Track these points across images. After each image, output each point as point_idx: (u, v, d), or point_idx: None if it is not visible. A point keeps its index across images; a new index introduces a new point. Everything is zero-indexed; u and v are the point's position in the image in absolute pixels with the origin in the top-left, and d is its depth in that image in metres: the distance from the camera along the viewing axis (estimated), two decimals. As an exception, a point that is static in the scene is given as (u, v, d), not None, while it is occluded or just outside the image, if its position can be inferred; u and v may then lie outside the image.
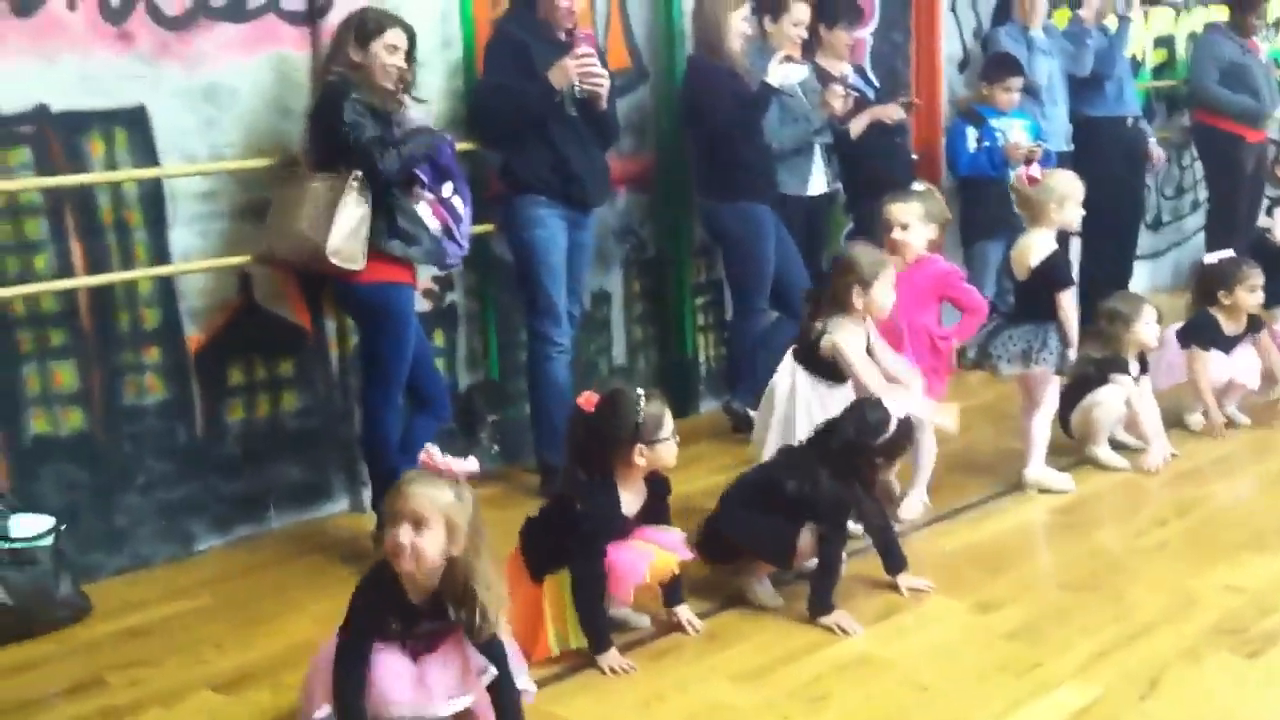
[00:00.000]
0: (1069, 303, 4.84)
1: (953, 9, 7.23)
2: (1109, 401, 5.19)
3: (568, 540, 3.66)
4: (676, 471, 3.88)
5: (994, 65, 6.73)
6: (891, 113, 6.28)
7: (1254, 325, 5.70)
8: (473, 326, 5.41)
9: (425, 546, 2.97)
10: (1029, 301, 4.91)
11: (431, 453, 3.08)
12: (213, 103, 4.59)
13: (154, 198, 4.51)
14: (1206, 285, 5.69)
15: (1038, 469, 4.99)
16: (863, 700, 3.51)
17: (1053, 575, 4.34)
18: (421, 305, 5.02)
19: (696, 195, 5.89)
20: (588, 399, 3.73)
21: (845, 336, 4.35)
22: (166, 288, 4.57)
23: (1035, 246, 4.86)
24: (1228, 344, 5.66)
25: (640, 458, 3.69)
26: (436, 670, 3.13)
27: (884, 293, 4.36)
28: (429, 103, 4.93)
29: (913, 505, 4.80)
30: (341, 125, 4.31)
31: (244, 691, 3.63)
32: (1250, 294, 5.60)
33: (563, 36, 5.05)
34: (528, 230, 5.09)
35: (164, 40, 4.46)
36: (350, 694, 3.03)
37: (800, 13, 5.95)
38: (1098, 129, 7.28)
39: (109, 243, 4.42)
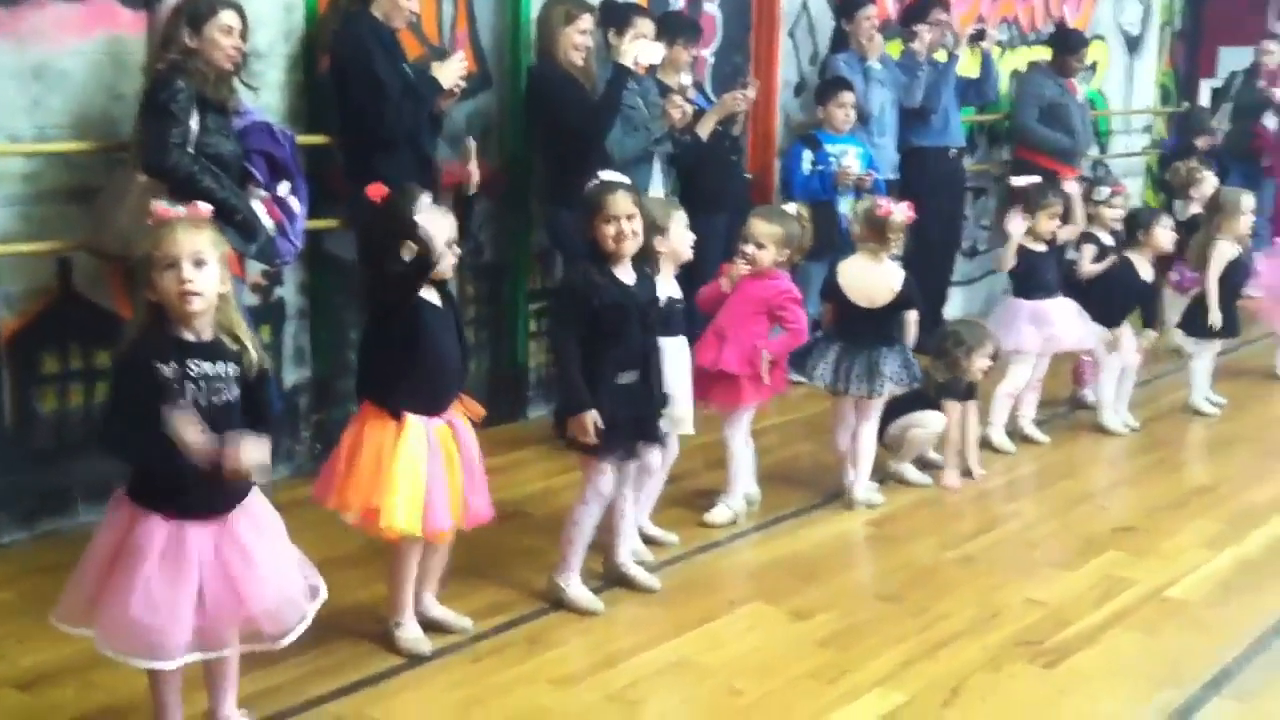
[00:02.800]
0: (915, 323, 5.13)
1: (791, 34, 7.42)
2: (931, 424, 5.38)
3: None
4: (505, 475, 3.90)
5: (827, 86, 6.93)
6: (735, 100, 6.37)
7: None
8: (300, 323, 5.35)
9: (207, 284, 2.95)
10: (879, 325, 5.08)
11: (160, 204, 3.05)
12: (42, 82, 4.47)
13: (-25, 176, 4.36)
14: (1012, 208, 6.05)
15: (865, 488, 5.16)
16: (679, 704, 3.61)
17: (865, 585, 4.49)
18: (249, 299, 4.94)
19: (540, 202, 5.93)
20: (376, 189, 3.65)
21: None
22: (-17, 270, 4.42)
23: (889, 274, 5.05)
24: (1040, 266, 5.96)
25: (407, 253, 3.52)
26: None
27: (681, 234, 4.44)
28: (259, 90, 4.88)
29: (726, 511, 4.90)
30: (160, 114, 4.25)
31: (47, 690, 3.54)
32: (1050, 220, 5.97)
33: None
34: None
35: (-6, 15, 4.32)
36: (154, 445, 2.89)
37: (644, 27, 6.03)
38: (923, 158, 7.55)
39: (-75, 221, 4.27)
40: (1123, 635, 4.04)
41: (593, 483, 4.07)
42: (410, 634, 3.79)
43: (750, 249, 4.78)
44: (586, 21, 5.78)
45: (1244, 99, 9.59)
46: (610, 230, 3.95)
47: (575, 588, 4.15)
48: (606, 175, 4.12)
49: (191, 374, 2.95)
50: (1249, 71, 9.70)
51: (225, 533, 3.04)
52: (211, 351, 2.99)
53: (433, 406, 3.66)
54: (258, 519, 3.13)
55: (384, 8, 5.04)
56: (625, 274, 4.02)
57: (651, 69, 6.19)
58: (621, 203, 3.97)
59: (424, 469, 3.58)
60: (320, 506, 3.71)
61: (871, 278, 5.08)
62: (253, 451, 2.93)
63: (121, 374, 3.04)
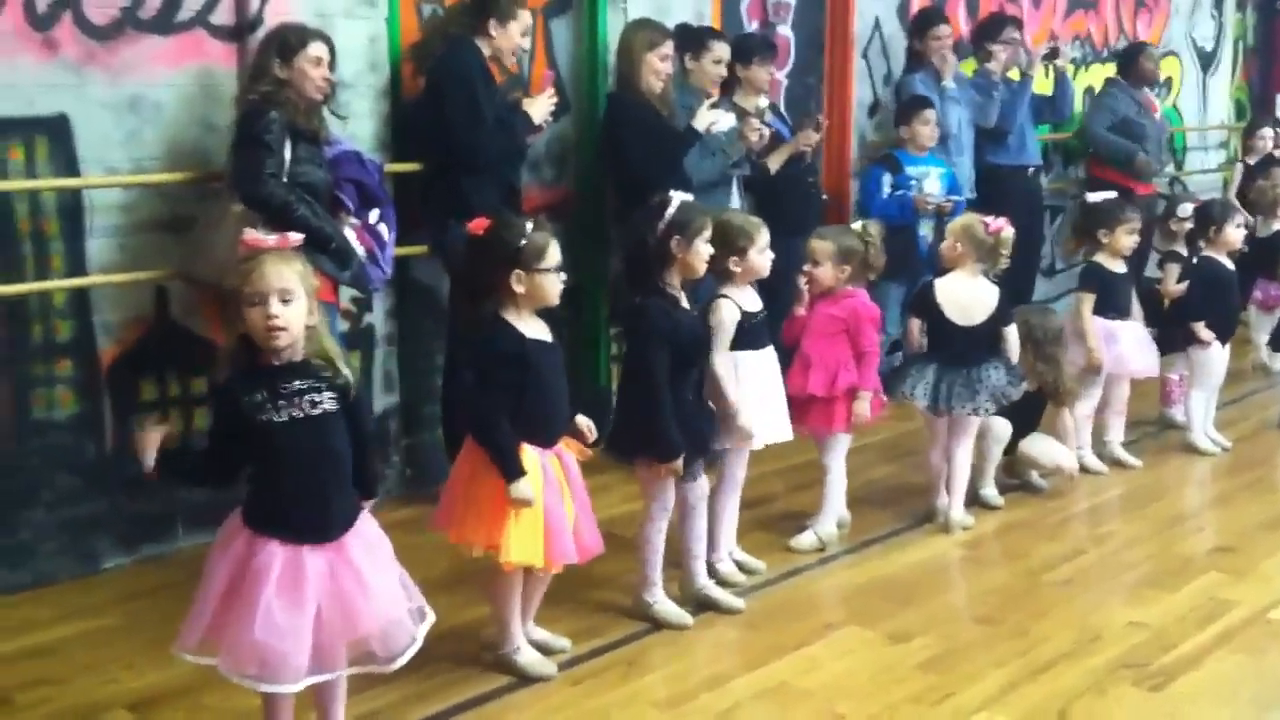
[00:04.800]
0: (1016, 340, 5.08)
1: (864, 55, 7.41)
2: (999, 432, 5.33)
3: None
4: (591, 499, 3.88)
5: (908, 105, 6.90)
6: (807, 139, 6.39)
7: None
8: (389, 349, 5.39)
9: (294, 318, 2.98)
10: (979, 343, 5.04)
11: (251, 233, 3.08)
12: (136, 114, 4.55)
13: (73, 208, 4.44)
14: (1088, 224, 5.93)
15: (961, 508, 5.12)
16: (781, 728, 3.58)
17: (961, 608, 4.44)
18: (339, 326, 4.99)
19: (618, 227, 5.95)
20: (478, 223, 3.67)
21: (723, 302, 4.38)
22: (81, 300, 4.50)
23: (986, 292, 5.06)
24: (1116, 286, 5.83)
25: (519, 284, 3.56)
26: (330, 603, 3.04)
27: (759, 256, 4.35)
28: (348, 119, 4.94)
29: (812, 538, 4.86)
30: (255, 144, 4.32)
31: (159, 712, 3.57)
32: (1129, 236, 5.81)
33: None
34: None
35: (90, 49, 4.41)
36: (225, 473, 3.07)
37: (720, 50, 6.06)
38: (1000, 177, 7.50)
39: (25, 252, 4.36)
40: (1228, 657, 3.97)
41: (655, 498, 4.10)
42: (530, 657, 3.80)
43: (808, 268, 4.77)
44: (668, 48, 5.79)
45: None
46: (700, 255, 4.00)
47: (662, 602, 4.16)
48: (679, 196, 4.09)
49: (283, 393, 2.99)
50: None
51: (339, 556, 3.07)
52: (302, 371, 3.03)
53: (546, 439, 3.67)
54: (369, 541, 3.16)
55: (500, 43, 5.08)
56: (684, 300, 4.06)
57: (728, 92, 6.22)
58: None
59: (541, 501, 3.59)
60: (436, 534, 3.75)
61: (969, 295, 5.06)
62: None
63: (213, 404, 3.09)
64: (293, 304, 2.98)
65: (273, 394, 2.99)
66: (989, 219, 5.14)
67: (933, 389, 5.00)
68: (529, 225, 3.63)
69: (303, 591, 2.98)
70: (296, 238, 3.14)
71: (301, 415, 3.00)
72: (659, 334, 3.97)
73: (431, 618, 3.24)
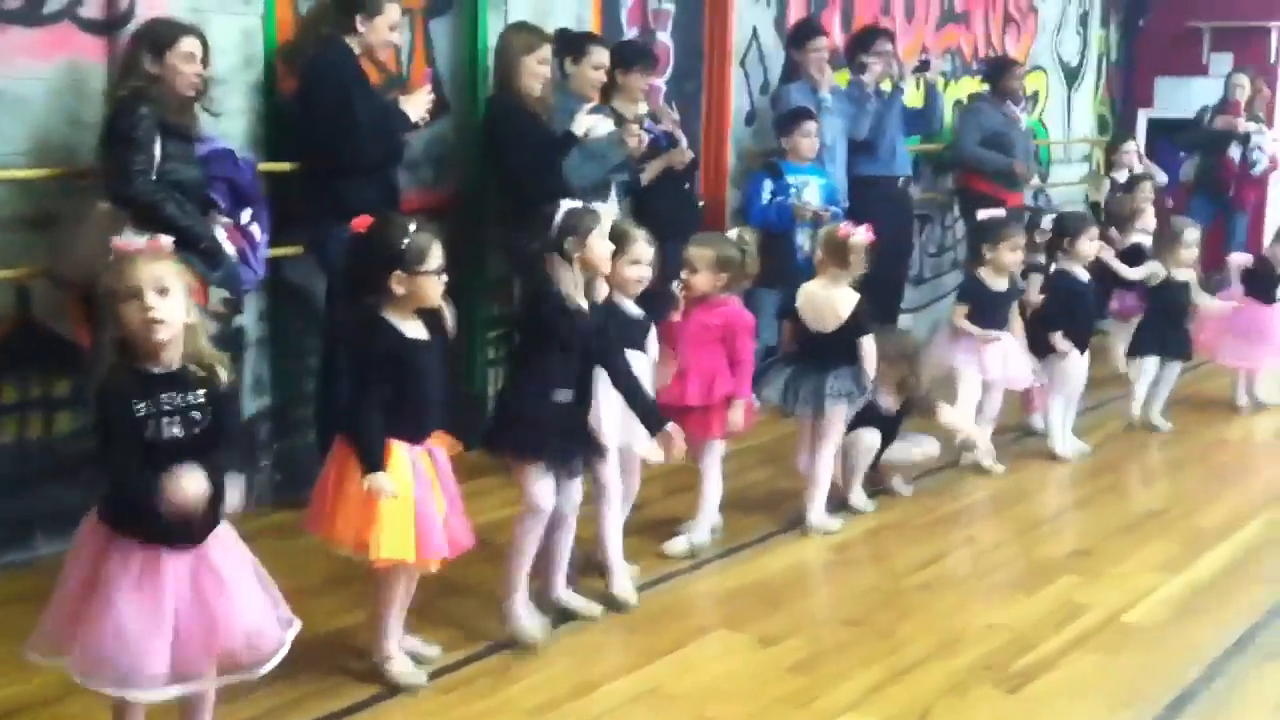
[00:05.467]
0: (871, 347, 5.13)
1: (742, 64, 7.49)
2: (866, 444, 5.44)
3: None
4: (465, 503, 3.87)
5: (789, 116, 7.00)
6: (681, 157, 6.47)
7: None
8: (260, 352, 5.32)
9: (172, 312, 2.93)
10: (834, 349, 5.14)
11: (120, 239, 3.08)
12: (1, 108, 4.41)
13: (-67, 203, 4.31)
14: (973, 240, 6.09)
15: (820, 514, 5.21)
16: (653, 732, 3.62)
17: (830, 611, 4.54)
18: (210, 328, 4.89)
19: (499, 229, 5.94)
20: (361, 221, 3.67)
21: None
22: (-58, 297, 4.36)
23: (842, 298, 5.13)
24: (992, 300, 6.00)
25: (399, 285, 3.56)
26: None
27: (600, 243, 4.18)
28: (221, 116, 4.87)
29: (685, 542, 4.91)
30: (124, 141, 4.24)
31: (20, 723, 3.48)
32: (1012, 253, 5.98)
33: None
34: None
35: (-49, 40, 4.28)
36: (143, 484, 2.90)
37: (600, 56, 6.09)
38: (870, 187, 7.63)
39: (-118, 248, 4.21)
40: (1084, 659, 4.12)
41: (525, 495, 4.04)
42: (402, 667, 3.77)
43: (685, 275, 4.82)
44: (545, 52, 5.81)
45: (1211, 132, 9.76)
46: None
47: (515, 613, 4.10)
48: (567, 204, 4.12)
49: (166, 408, 2.94)
50: (1218, 105, 9.89)
51: (200, 561, 3.02)
52: (181, 382, 2.97)
53: (416, 435, 3.66)
54: (229, 547, 3.11)
55: (369, 39, 5.05)
56: (582, 299, 4.08)
57: (607, 98, 6.25)
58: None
59: (412, 496, 3.58)
60: (308, 540, 3.72)
61: (824, 302, 5.16)
62: (190, 482, 2.88)
63: (100, 417, 2.98)
64: (169, 297, 2.92)
65: (153, 408, 2.93)
66: (845, 224, 5.25)
67: (783, 390, 5.14)
68: (412, 226, 3.62)
69: (160, 594, 2.94)
70: (168, 241, 3.09)
71: (184, 435, 2.95)
72: (535, 326, 4.03)
73: (298, 624, 3.20)
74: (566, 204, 4.13)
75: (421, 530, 3.60)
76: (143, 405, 2.91)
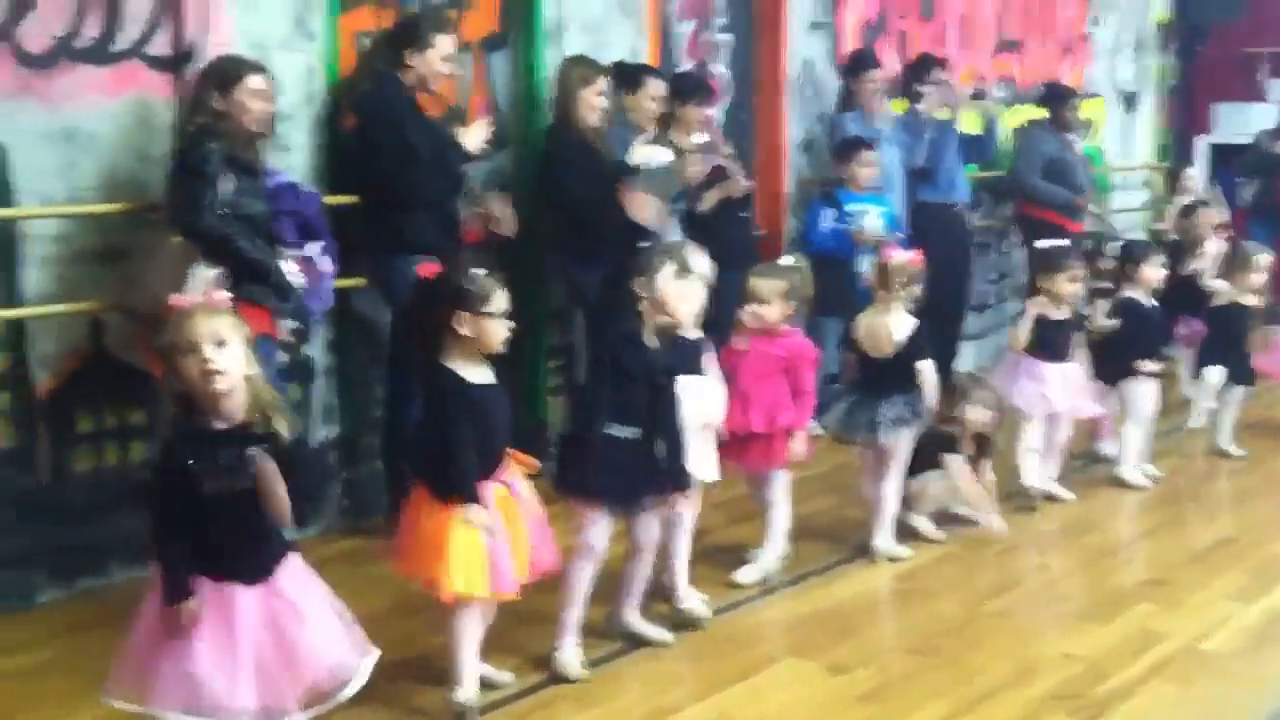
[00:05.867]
0: (930, 372, 5.07)
1: (797, 93, 7.50)
2: (932, 478, 5.39)
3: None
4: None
5: (847, 145, 6.99)
6: (737, 187, 6.48)
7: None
8: (328, 381, 5.36)
9: (231, 364, 2.97)
10: (891, 375, 5.10)
11: (177, 296, 3.11)
12: (72, 144, 4.50)
13: (7, 238, 4.39)
14: (1033, 269, 6.03)
15: (886, 539, 5.16)
16: (727, 761, 3.59)
17: (899, 640, 4.48)
18: (279, 359, 4.95)
19: (557, 258, 5.96)
20: (428, 267, 3.71)
21: None
22: (17, 331, 4.44)
23: (896, 324, 5.09)
24: (1051, 330, 5.89)
25: (463, 326, 3.57)
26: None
27: (669, 284, 4.13)
28: (286, 151, 4.93)
29: (756, 570, 4.87)
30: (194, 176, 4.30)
31: (98, 750, 3.50)
32: (1071, 284, 5.91)
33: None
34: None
35: (25, 79, 4.37)
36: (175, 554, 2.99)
37: (656, 88, 6.13)
38: (928, 215, 7.61)
39: (-41, 282, 4.29)
40: (1160, 688, 4.04)
41: (581, 532, 4.05)
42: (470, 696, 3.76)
43: (754, 307, 4.79)
44: (602, 84, 5.85)
45: (1270, 156, 9.66)
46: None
47: (563, 652, 4.07)
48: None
49: (221, 461, 2.97)
50: (1276, 129, 9.76)
51: (273, 594, 3.06)
52: (240, 438, 3.01)
53: (485, 473, 3.67)
54: (302, 578, 3.15)
55: (421, 71, 5.09)
56: (650, 337, 4.09)
57: (664, 128, 6.28)
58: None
59: (488, 535, 3.58)
60: (376, 568, 3.82)
61: (880, 328, 5.14)
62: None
63: (155, 469, 3.09)
64: (228, 349, 2.97)
65: (212, 463, 2.97)
66: (886, 249, 5.22)
67: (843, 419, 5.12)
68: (478, 270, 3.65)
69: (233, 628, 2.98)
70: (224, 295, 3.13)
71: (240, 488, 2.99)
72: (601, 364, 4.02)
73: (375, 652, 3.21)
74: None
75: (494, 564, 3.61)
76: (197, 465, 2.96)
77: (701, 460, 4.41)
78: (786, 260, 5.09)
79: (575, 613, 4.06)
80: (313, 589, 3.17)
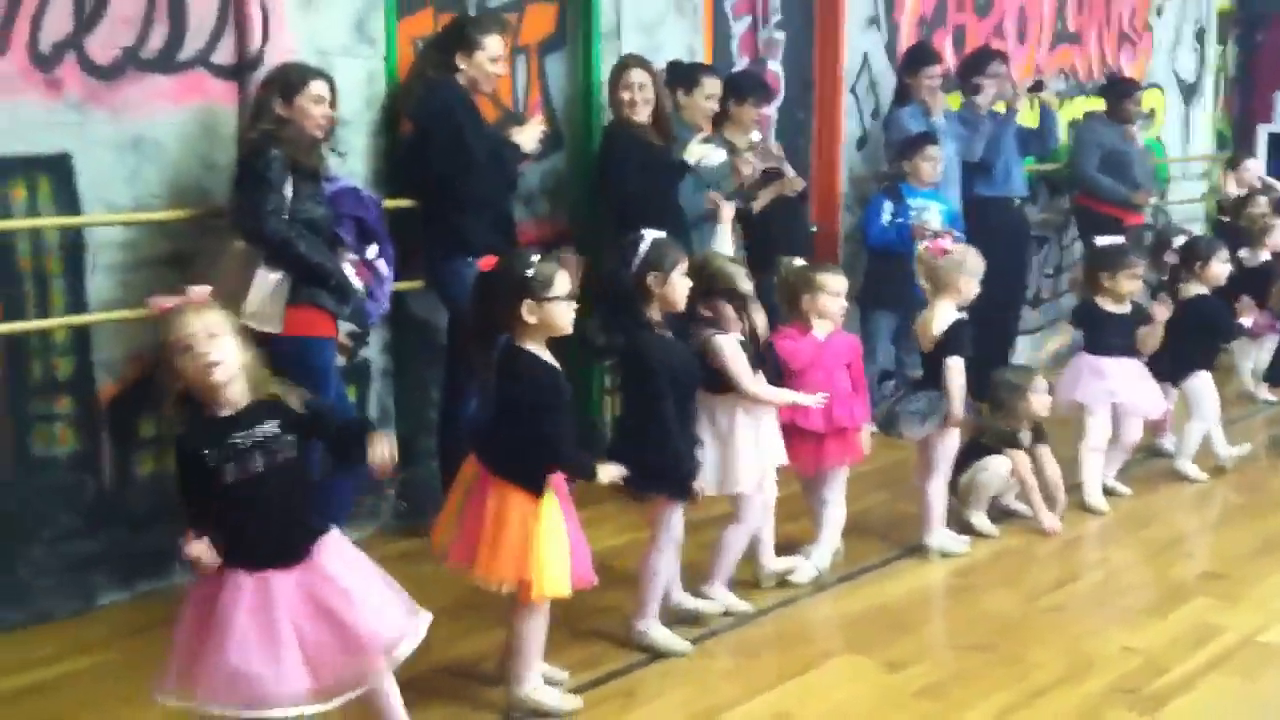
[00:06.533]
0: (957, 369, 5.01)
1: (853, 90, 7.49)
2: (995, 470, 5.39)
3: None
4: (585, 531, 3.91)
5: (912, 140, 6.96)
6: (794, 185, 6.49)
7: None
8: (385, 383, 5.43)
9: (227, 354, 3.05)
10: (931, 369, 5.10)
11: (157, 298, 3.18)
12: (138, 152, 4.59)
13: (75, 246, 4.48)
14: (1091, 266, 6.00)
15: (938, 534, 5.16)
16: (782, 755, 3.62)
17: (955, 636, 4.49)
18: (337, 361, 5.03)
19: (614, 258, 5.98)
20: (488, 260, 3.77)
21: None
22: (82, 337, 4.53)
23: (938, 317, 5.07)
24: (1111, 325, 5.87)
25: (530, 315, 3.60)
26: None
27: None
28: (346, 156, 5.00)
29: (809, 568, 4.88)
30: (257, 182, 4.37)
31: (160, 747, 3.59)
32: (1131, 281, 5.87)
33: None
34: None
35: (93, 88, 4.46)
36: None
37: (712, 86, 6.15)
38: (985, 209, 7.57)
39: (27, 290, 4.39)
40: (1220, 682, 4.03)
41: (666, 528, 4.15)
42: (549, 696, 3.81)
43: (826, 301, 4.80)
44: (633, 76, 5.83)
45: None
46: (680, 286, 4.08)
47: (656, 629, 4.20)
48: (652, 234, 4.14)
49: (239, 448, 3.05)
50: None
51: (313, 574, 3.14)
52: (250, 419, 3.09)
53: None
54: (342, 553, 3.23)
55: (472, 74, 5.15)
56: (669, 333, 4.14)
57: (718, 127, 6.30)
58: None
59: (564, 528, 3.65)
60: (432, 567, 3.82)
61: (924, 323, 5.14)
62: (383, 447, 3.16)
63: (177, 467, 3.14)
64: (220, 340, 3.06)
65: (226, 449, 3.05)
66: (938, 241, 5.21)
67: (882, 413, 5.14)
68: (535, 256, 3.67)
69: (273, 614, 3.05)
70: (203, 291, 3.19)
71: (260, 469, 3.07)
72: (663, 367, 4.03)
73: (427, 615, 3.30)
74: (650, 234, 4.14)
75: (574, 559, 3.68)
76: (212, 452, 3.04)
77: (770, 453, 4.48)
78: (798, 262, 5.04)
79: (658, 599, 4.21)
80: (353, 562, 3.24)
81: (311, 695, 3.07)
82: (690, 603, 4.44)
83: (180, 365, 3.05)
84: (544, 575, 3.60)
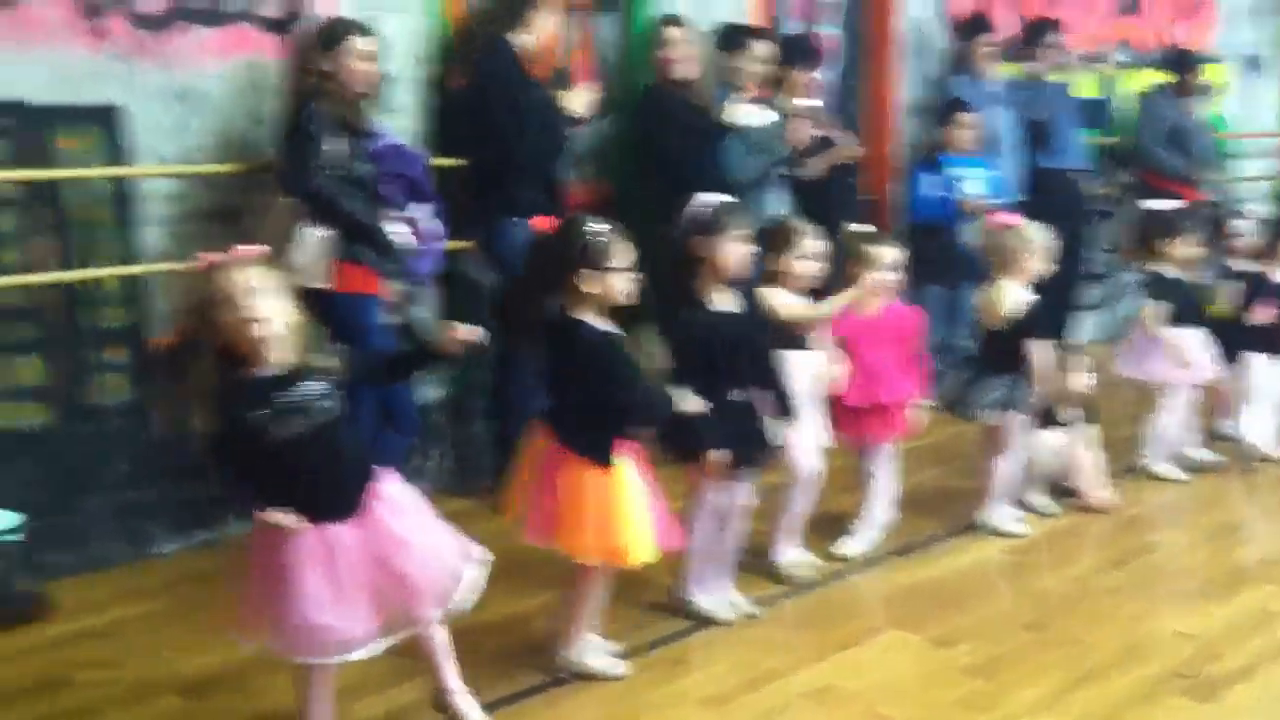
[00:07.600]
0: (1042, 353, 4.87)
1: (907, 57, 7.35)
2: (1040, 450, 5.27)
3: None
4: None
5: (946, 108, 6.85)
6: (851, 152, 6.38)
7: None
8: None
9: (269, 310, 3.00)
10: (1000, 349, 4.93)
11: (205, 255, 3.09)
12: (185, 104, 4.56)
13: (124, 197, 4.45)
14: (1146, 232, 5.84)
15: (997, 511, 5.06)
16: (829, 730, 3.55)
17: (1007, 614, 4.38)
18: (384, 319, 4.97)
19: (662, 223, 5.90)
20: (541, 220, 3.69)
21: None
22: (134, 287, 4.52)
23: (1008, 296, 4.90)
24: (1181, 294, 5.71)
25: (587, 284, 3.47)
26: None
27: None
28: (394, 113, 4.94)
29: (857, 543, 4.81)
30: (300, 138, 4.32)
31: (209, 695, 3.61)
32: (1187, 247, 5.71)
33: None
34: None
35: (140, 40, 4.42)
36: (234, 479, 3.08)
37: (761, 50, 6.04)
38: (1044, 181, 7.43)
39: (78, 240, 4.37)
40: (1278, 670, 3.91)
41: (700, 500, 4.07)
42: (601, 660, 3.78)
43: (882, 274, 4.66)
44: (669, 33, 5.73)
45: None
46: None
47: (701, 598, 4.15)
48: (706, 198, 4.03)
49: (282, 408, 2.99)
50: None
51: (371, 522, 3.12)
52: (294, 378, 3.03)
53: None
54: (396, 499, 3.20)
55: (527, 38, 5.07)
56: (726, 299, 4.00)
57: (770, 91, 6.19)
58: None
59: (643, 495, 3.59)
60: (484, 523, 3.78)
61: (987, 301, 4.97)
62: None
63: (218, 427, 3.07)
64: (262, 296, 2.99)
65: (271, 408, 2.99)
66: (1003, 214, 5.07)
67: (949, 392, 5.01)
68: (592, 224, 3.55)
69: (335, 563, 3.04)
70: (251, 249, 3.11)
71: (305, 429, 3.02)
72: (677, 343, 3.83)
73: (488, 556, 3.30)
74: (705, 198, 4.01)
75: (657, 524, 3.62)
76: (254, 413, 2.98)
77: (816, 429, 4.39)
78: (854, 227, 4.85)
79: (701, 568, 4.15)
80: (410, 507, 3.22)
81: (378, 630, 3.11)
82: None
83: (221, 321, 3.00)
84: (632, 543, 3.52)
